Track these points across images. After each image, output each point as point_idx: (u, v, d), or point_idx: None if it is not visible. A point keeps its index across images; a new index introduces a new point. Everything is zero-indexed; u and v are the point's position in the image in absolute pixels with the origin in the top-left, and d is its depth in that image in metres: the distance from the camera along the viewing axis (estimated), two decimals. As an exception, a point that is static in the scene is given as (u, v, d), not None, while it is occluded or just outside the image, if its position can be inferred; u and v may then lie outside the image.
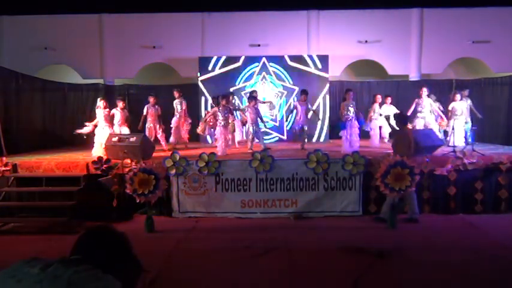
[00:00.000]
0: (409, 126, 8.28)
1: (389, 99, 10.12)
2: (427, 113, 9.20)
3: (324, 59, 11.44)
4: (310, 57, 11.49)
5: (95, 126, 8.54)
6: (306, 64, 11.40)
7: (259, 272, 4.70)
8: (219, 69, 11.43)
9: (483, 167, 7.12)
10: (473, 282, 4.40)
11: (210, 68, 11.45)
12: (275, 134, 11.55)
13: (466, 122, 9.46)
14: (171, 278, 4.61)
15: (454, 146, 7.87)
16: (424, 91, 9.24)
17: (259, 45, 12.42)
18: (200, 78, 11.47)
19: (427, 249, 5.34)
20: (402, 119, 6.33)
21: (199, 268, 4.86)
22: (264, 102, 10.50)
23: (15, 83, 9.42)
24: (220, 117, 8.38)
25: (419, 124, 9.15)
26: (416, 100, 9.28)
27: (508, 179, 7.10)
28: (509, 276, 4.56)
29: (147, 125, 9.17)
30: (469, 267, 4.73)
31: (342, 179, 7.03)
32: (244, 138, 10.00)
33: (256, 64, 11.45)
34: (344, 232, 6.16)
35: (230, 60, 11.47)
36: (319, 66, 11.33)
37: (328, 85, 11.41)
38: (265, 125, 9.97)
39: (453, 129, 8.84)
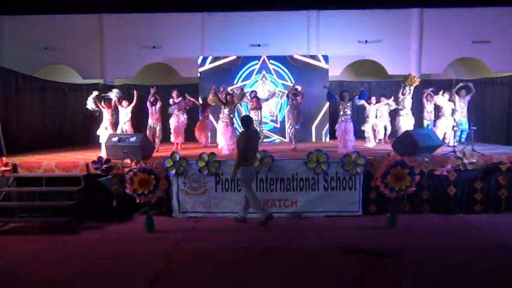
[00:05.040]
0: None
1: (383, 99, 10.17)
2: (408, 111, 9.47)
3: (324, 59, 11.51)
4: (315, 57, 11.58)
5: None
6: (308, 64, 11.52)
7: (259, 272, 4.70)
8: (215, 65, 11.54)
9: (483, 167, 7.13)
10: (473, 282, 4.40)
11: (205, 66, 11.56)
12: (276, 136, 11.49)
13: (461, 122, 9.49)
14: (171, 278, 4.62)
15: (454, 146, 7.88)
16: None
17: (259, 45, 12.43)
18: (199, 75, 11.52)
19: (427, 249, 5.34)
20: (246, 121, 6.49)
21: (199, 268, 4.87)
22: (267, 100, 10.23)
23: (15, 83, 9.41)
24: (225, 114, 8.38)
25: (401, 122, 9.48)
26: (400, 97, 9.59)
27: (507, 179, 7.11)
28: (509, 276, 4.56)
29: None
30: (469, 267, 4.73)
31: (342, 179, 7.04)
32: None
33: (256, 62, 11.50)
34: (344, 232, 6.16)
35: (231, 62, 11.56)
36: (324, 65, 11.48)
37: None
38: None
39: (453, 129, 8.86)
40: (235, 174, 6.37)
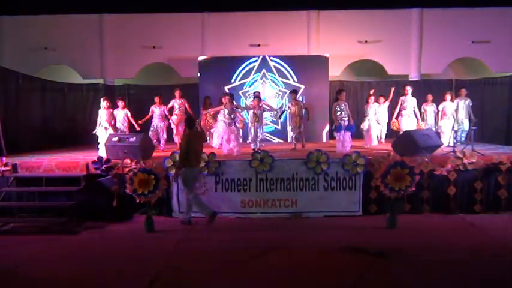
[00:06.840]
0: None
1: (382, 99, 10.19)
2: (410, 112, 9.55)
3: (323, 59, 11.49)
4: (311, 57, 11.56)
5: (99, 124, 8.64)
6: (306, 65, 11.49)
7: (259, 272, 4.70)
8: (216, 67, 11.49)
9: (483, 167, 7.13)
10: (473, 282, 4.40)
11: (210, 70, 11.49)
12: (277, 139, 11.36)
13: (462, 122, 9.49)
14: (171, 278, 4.61)
15: (454, 146, 7.88)
16: (409, 89, 9.64)
17: (259, 45, 12.45)
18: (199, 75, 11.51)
19: (427, 249, 5.33)
20: (190, 122, 6.68)
21: (199, 268, 4.87)
22: (270, 109, 9.94)
23: (15, 83, 9.42)
24: (226, 115, 8.38)
25: (403, 122, 9.53)
26: (402, 98, 9.69)
27: (507, 178, 7.11)
28: (509, 276, 4.56)
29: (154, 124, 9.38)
30: (469, 267, 4.73)
31: (342, 179, 7.04)
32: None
33: (255, 59, 11.45)
34: (344, 232, 6.16)
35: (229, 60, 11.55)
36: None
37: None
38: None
39: (453, 129, 8.87)
40: (177, 176, 6.42)
